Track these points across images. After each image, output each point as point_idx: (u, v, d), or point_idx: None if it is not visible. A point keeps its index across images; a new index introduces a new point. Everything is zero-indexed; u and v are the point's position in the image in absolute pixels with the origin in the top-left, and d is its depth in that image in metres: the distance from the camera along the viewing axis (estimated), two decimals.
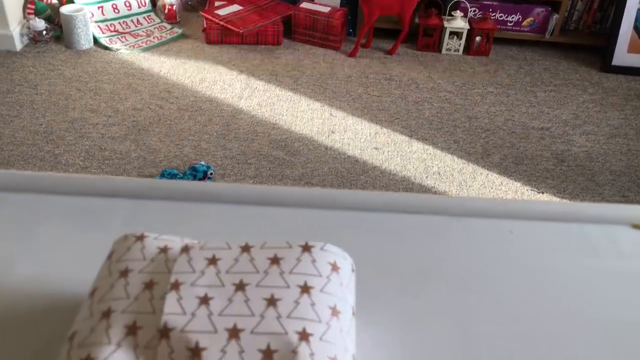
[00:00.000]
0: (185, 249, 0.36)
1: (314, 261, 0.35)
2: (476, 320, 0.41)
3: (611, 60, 1.95)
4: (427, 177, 1.49)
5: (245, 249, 0.36)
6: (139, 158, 1.51)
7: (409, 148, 1.61)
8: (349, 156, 1.58)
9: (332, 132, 1.67)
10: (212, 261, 0.35)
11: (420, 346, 0.39)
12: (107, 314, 0.33)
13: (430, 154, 1.59)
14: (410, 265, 0.45)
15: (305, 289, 0.34)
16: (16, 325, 0.39)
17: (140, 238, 0.38)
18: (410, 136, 1.65)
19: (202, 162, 1.50)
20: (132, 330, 0.32)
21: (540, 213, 0.50)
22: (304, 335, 0.31)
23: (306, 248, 0.36)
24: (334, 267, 0.36)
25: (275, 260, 0.35)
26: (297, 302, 0.33)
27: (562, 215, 0.49)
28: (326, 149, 1.60)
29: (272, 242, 0.36)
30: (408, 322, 0.40)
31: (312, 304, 0.33)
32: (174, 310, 0.32)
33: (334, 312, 0.33)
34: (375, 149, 1.60)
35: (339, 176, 1.48)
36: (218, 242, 0.37)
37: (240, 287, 0.34)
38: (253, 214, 0.49)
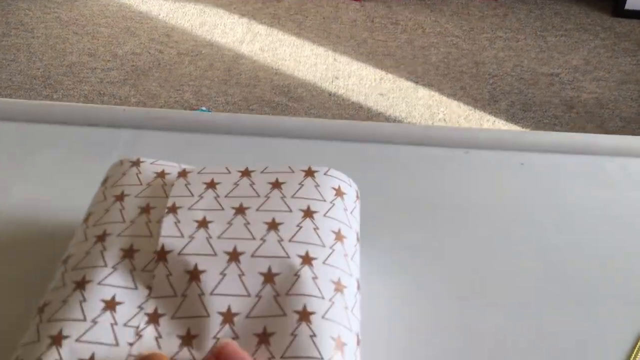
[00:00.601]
0: (183, 174, 0.35)
1: (317, 186, 0.34)
2: (484, 250, 0.40)
3: (624, 4, 1.88)
4: (432, 123, 1.46)
5: (245, 173, 0.35)
6: (138, 103, 1.48)
7: (414, 94, 1.58)
8: (353, 102, 1.55)
9: (336, 77, 1.63)
10: (211, 185, 0.34)
11: (426, 274, 0.38)
12: (102, 237, 0.32)
13: (436, 100, 1.56)
14: (416, 197, 0.43)
15: (308, 213, 0.32)
16: (10, 250, 0.38)
17: (136, 163, 0.36)
18: (416, 82, 1.62)
19: (204, 108, 1.47)
20: (128, 253, 0.31)
21: (553, 145, 0.48)
22: (306, 259, 0.30)
23: (309, 173, 0.35)
24: (338, 192, 0.34)
25: (276, 185, 0.34)
26: (299, 226, 0.31)
27: (576, 147, 0.48)
28: (330, 95, 1.57)
29: (273, 167, 0.35)
30: (414, 251, 0.39)
31: (316, 228, 0.31)
32: (172, 233, 0.31)
33: (338, 236, 0.32)
34: (380, 95, 1.57)
35: None
36: (217, 167, 0.35)
37: (240, 210, 0.32)
38: (254, 144, 0.47)
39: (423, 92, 1.57)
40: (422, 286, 0.38)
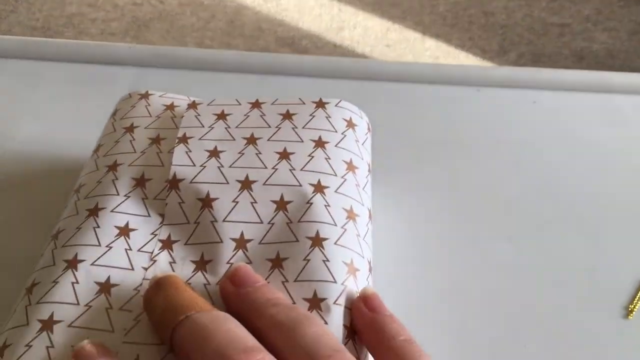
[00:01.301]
0: (193, 105, 0.34)
1: (328, 117, 0.33)
2: (495, 187, 0.40)
3: None
4: None
5: (256, 105, 0.34)
6: None
7: (421, 45, 1.55)
8: (358, 54, 1.52)
9: (341, 29, 1.60)
10: (221, 116, 0.33)
11: (437, 210, 0.38)
12: (113, 167, 0.31)
13: (443, 51, 1.53)
14: (428, 135, 0.43)
15: (320, 143, 0.32)
16: (20, 185, 0.38)
17: (145, 96, 0.36)
18: (423, 33, 1.58)
19: None
20: (140, 182, 0.31)
21: (566, 83, 0.47)
22: (318, 187, 0.30)
23: (320, 104, 0.34)
24: (349, 124, 0.34)
25: (287, 116, 0.33)
26: (311, 156, 0.31)
27: (589, 85, 0.47)
28: (335, 46, 1.54)
29: (283, 99, 0.34)
30: (425, 188, 0.39)
31: (327, 158, 0.31)
32: (183, 162, 0.31)
33: (350, 166, 0.32)
34: (387, 46, 1.54)
35: None
36: (227, 99, 0.35)
37: (252, 140, 0.32)
38: (262, 82, 0.46)
39: (430, 43, 1.54)
40: (433, 221, 0.38)
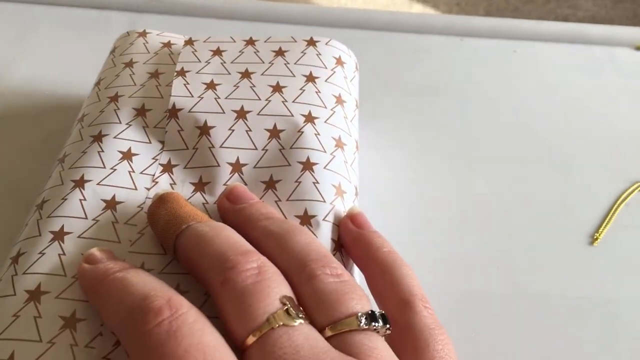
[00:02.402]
0: (189, 42, 0.36)
1: (318, 54, 0.35)
2: (477, 130, 0.42)
3: None
4: None
5: (250, 42, 0.36)
6: None
7: (408, 10, 1.55)
8: None
9: None
10: (217, 52, 0.35)
11: (419, 146, 0.40)
12: (114, 98, 0.33)
13: None
14: (413, 82, 0.45)
15: (310, 78, 0.34)
16: (20, 121, 0.39)
17: (143, 34, 0.37)
18: None
19: None
20: (141, 112, 0.32)
21: (545, 34, 0.49)
22: (309, 118, 0.32)
23: (311, 42, 0.36)
24: (339, 61, 0.36)
25: (280, 52, 0.35)
26: (302, 89, 0.33)
27: (567, 36, 0.49)
28: None
29: (276, 37, 0.36)
30: (409, 129, 0.42)
31: (317, 92, 0.33)
32: (182, 93, 0.32)
33: (338, 100, 0.34)
34: None
35: None
36: (222, 36, 0.36)
37: (246, 75, 0.34)
38: (252, 30, 0.48)
39: (417, 8, 1.54)
40: (414, 157, 0.40)
